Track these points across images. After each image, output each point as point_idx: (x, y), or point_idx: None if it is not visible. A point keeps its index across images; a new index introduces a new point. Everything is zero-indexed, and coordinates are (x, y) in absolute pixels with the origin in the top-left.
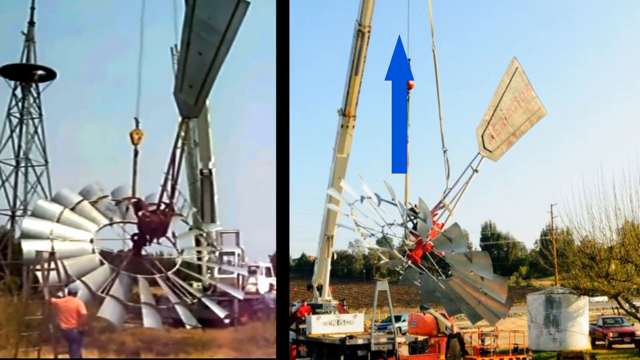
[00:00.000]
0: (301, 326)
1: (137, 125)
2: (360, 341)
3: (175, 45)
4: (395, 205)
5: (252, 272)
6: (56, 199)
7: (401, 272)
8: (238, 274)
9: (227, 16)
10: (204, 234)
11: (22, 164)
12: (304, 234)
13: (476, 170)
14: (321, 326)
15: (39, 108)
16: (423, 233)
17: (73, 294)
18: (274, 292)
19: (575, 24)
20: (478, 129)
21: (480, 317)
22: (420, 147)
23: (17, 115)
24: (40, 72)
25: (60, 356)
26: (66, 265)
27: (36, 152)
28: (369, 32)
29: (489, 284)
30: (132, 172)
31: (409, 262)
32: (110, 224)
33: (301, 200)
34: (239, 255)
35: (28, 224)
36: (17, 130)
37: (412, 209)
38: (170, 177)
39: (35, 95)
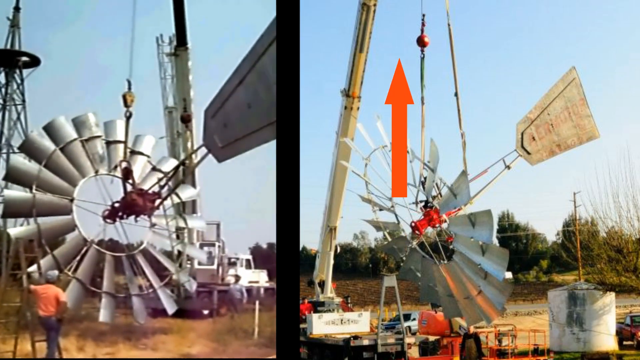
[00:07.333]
0: (301, 326)
1: (129, 88)
2: (365, 342)
3: (161, 35)
4: (408, 152)
5: (231, 264)
6: (48, 129)
7: (403, 256)
8: (218, 265)
9: None
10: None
11: (4, 151)
12: (304, 225)
13: (508, 167)
14: (323, 326)
15: (23, 94)
16: (429, 189)
17: (51, 282)
18: (240, 283)
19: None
20: (519, 124)
21: (460, 313)
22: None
23: (0, 101)
24: (24, 58)
25: (37, 344)
26: (41, 228)
27: (19, 139)
28: (374, 5)
29: (491, 282)
30: (124, 134)
31: (414, 242)
32: (95, 175)
33: (301, 189)
34: (219, 246)
35: (15, 163)
36: (0, 116)
37: (426, 165)
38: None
39: (19, 81)
